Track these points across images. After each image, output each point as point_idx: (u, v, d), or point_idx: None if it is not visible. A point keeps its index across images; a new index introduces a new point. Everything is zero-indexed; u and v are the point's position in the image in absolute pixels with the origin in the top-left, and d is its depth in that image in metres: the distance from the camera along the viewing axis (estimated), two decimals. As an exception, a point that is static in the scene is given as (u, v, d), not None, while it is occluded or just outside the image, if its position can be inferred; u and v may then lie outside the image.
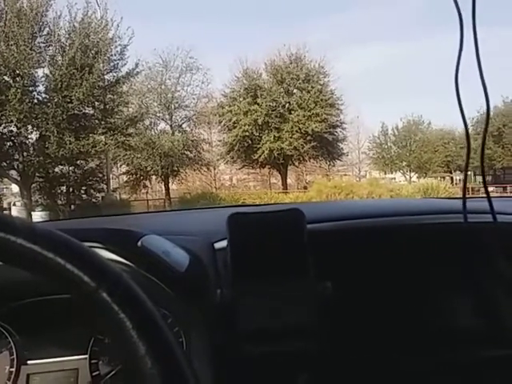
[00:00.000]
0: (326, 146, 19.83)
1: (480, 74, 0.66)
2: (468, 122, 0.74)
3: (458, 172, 25.44)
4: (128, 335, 0.32)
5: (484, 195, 0.70)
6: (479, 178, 18.44)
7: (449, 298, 0.84)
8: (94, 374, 0.65)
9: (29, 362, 0.65)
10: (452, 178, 24.09)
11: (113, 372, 0.65)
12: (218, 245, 0.76)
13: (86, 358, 0.66)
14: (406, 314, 0.83)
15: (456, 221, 0.78)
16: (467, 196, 0.73)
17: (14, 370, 0.64)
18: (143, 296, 0.35)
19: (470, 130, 0.73)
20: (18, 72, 11.65)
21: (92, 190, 14.87)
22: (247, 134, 18.73)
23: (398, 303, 0.83)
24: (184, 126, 19.76)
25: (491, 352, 0.82)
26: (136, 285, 0.35)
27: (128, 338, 0.32)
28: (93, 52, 12.57)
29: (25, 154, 12.74)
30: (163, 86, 19.04)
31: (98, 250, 0.35)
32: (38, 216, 10.33)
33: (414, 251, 0.83)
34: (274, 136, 18.75)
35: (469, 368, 0.82)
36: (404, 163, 25.08)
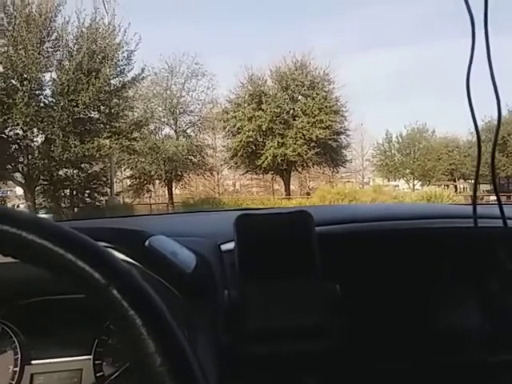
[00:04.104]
0: (330, 153, 19.84)
1: (492, 80, 0.66)
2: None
3: (461, 180, 25.34)
4: (138, 332, 0.32)
5: (490, 203, 0.69)
6: (483, 187, 18.36)
7: (458, 301, 0.83)
8: (98, 374, 0.65)
9: (33, 361, 0.65)
10: (456, 187, 23.99)
11: (117, 373, 0.64)
12: (224, 246, 0.76)
13: (90, 359, 0.65)
14: (415, 317, 0.83)
15: (466, 225, 0.78)
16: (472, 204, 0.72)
17: (17, 369, 0.64)
18: (153, 294, 0.34)
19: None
20: (25, 76, 11.77)
21: (96, 194, 14.92)
22: (251, 139, 18.77)
23: (406, 306, 0.83)
24: (188, 131, 19.87)
25: (499, 357, 0.81)
26: (146, 283, 0.35)
27: (138, 335, 0.32)
28: (100, 57, 12.70)
29: (30, 156, 12.82)
30: (168, 92, 19.17)
31: None
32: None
33: (423, 255, 0.82)
34: (278, 142, 18.78)
35: (476, 372, 0.81)
36: (408, 171, 25.03)
